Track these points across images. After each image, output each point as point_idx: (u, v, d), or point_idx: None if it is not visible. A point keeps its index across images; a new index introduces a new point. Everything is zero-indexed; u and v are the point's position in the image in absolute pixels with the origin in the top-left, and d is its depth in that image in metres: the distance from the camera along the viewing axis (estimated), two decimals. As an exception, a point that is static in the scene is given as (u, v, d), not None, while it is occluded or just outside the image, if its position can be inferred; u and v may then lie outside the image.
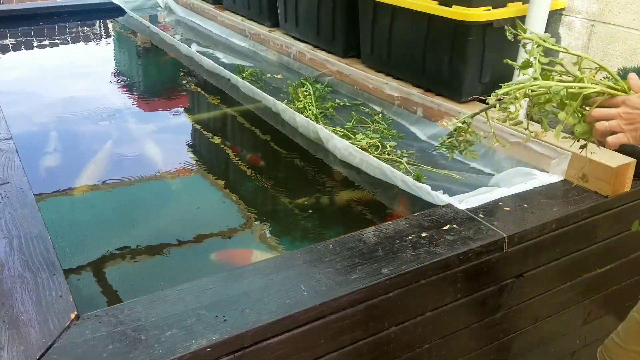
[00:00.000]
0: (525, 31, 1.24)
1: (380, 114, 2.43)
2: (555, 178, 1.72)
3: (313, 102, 2.51)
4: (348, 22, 2.68)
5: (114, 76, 3.36)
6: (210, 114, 2.87)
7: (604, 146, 1.15)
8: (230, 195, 2.09)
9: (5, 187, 1.56)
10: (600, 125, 1.13)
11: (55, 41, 3.98)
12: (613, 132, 1.12)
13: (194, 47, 3.49)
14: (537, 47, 1.22)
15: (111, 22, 4.53)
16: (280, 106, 2.50)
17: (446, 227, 1.44)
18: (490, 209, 1.54)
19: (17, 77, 3.28)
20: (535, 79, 1.20)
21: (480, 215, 1.50)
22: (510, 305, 1.56)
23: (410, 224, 1.45)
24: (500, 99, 1.24)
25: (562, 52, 1.27)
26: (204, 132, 2.64)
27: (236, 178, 2.25)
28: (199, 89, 3.10)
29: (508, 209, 1.54)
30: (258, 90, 2.69)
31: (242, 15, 3.65)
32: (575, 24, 2.27)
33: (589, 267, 1.72)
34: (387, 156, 2.06)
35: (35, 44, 3.88)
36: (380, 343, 1.32)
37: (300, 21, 3.02)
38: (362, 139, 2.16)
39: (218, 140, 2.53)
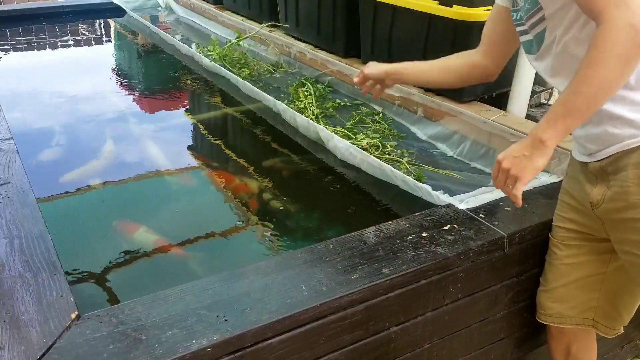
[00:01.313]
0: None
1: (381, 114, 2.43)
2: (555, 178, 1.72)
3: (313, 102, 2.51)
4: (348, 22, 2.68)
5: (114, 76, 3.36)
6: (211, 113, 2.87)
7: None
8: (230, 195, 2.09)
9: (6, 187, 1.56)
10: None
11: (56, 41, 3.98)
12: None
13: (194, 47, 3.49)
14: None
15: (112, 22, 4.54)
16: (280, 106, 2.50)
17: (447, 227, 1.44)
18: (490, 209, 1.54)
19: (18, 77, 3.28)
20: None
21: (481, 215, 1.50)
22: (510, 305, 1.56)
23: (411, 223, 1.45)
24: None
25: None
26: (204, 132, 2.64)
27: (236, 178, 2.24)
28: (199, 89, 3.10)
29: (508, 208, 1.54)
30: (258, 90, 2.69)
31: (242, 15, 3.65)
32: (575, 24, 2.26)
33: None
34: (387, 156, 2.06)
35: (35, 44, 3.88)
36: (380, 343, 1.32)
37: (301, 21, 3.02)
38: (363, 139, 2.16)
39: (218, 141, 2.53)
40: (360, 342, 1.28)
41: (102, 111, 2.78)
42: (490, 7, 2.04)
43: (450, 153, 2.13)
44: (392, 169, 1.88)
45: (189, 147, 2.50)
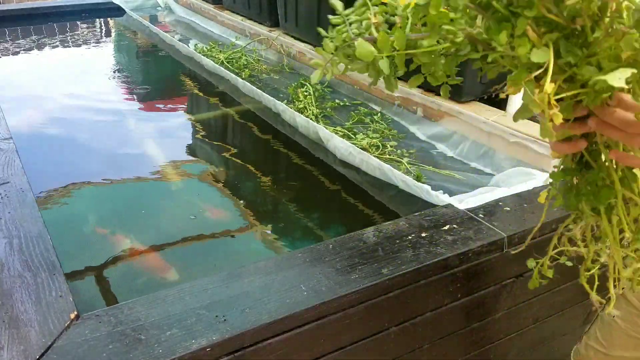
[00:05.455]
0: None
1: (380, 114, 2.43)
2: (555, 178, 1.72)
3: (313, 102, 2.51)
4: (348, 22, 2.68)
5: (114, 76, 3.36)
6: (210, 113, 2.87)
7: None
8: (230, 195, 2.09)
9: (5, 186, 1.56)
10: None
11: (55, 41, 3.98)
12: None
13: (194, 47, 3.49)
14: None
15: (111, 21, 4.54)
16: (280, 106, 2.50)
17: (446, 227, 1.44)
18: (490, 209, 1.54)
19: (17, 77, 3.28)
20: None
21: (481, 215, 1.50)
22: (510, 305, 1.56)
23: (410, 224, 1.45)
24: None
25: None
26: (204, 132, 2.64)
27: (236, 178, 2.25)
28: (198, 89, 3.10)
29: (508, 209, 1.54)
30: (258, 90, 2.69)
31: (242, 15, 3.65)
32: (575, 24, 2.26)
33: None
34: (387, 156, 2.06)
35: (35, 43, 3.88)
36: (380, 343, 1.32)
37: (301, 21, 3.02)
38: (363, 139, 2.15)
39: (218, 141, 2.53)
40: (360, 342, 1.28)
41: (102, 111, 2.78)
42: None
43: (450, 153, 2.13)
44: (392, 169, 1.88)
45: (189, 147, 2.50)
